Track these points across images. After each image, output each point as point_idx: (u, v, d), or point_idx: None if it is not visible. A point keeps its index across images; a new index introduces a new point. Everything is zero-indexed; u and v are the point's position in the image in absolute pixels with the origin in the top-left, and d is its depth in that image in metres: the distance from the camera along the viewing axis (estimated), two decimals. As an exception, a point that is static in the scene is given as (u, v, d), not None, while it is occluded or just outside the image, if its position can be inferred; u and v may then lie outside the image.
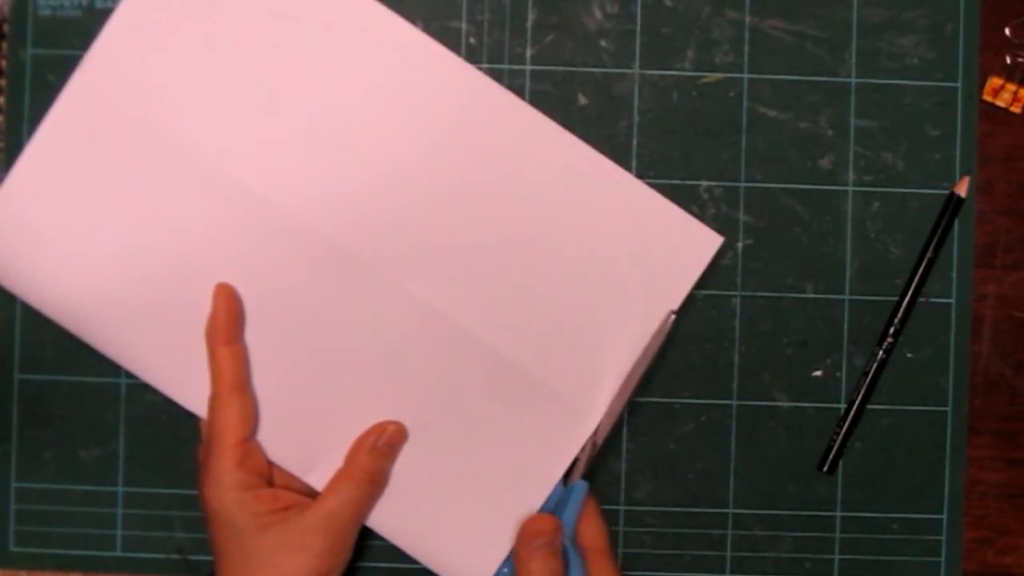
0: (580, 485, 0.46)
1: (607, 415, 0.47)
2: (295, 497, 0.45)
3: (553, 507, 0.47)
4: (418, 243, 0.47)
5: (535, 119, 0.47)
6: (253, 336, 0.46)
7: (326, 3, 0.46)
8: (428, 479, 0.47)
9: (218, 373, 0.45)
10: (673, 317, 0.46)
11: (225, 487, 0.44)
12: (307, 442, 0.47)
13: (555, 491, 0.47)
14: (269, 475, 0.46)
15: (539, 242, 0.47)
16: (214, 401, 0.45)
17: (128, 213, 0.46)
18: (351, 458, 0.46)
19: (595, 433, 0.47)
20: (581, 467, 0.47)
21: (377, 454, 0.46)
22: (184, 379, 0.46)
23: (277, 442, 0.46)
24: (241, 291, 0.46)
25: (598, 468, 0.50)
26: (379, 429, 0.47)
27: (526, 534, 0.45)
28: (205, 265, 0.46)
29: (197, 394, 0.46)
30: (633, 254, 0.47)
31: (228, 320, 0.46)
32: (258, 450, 0.46)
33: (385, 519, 0.47)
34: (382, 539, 0.48)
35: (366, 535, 0.48)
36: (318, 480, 0.47)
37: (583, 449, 0.47)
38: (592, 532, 0.46)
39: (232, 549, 0.44)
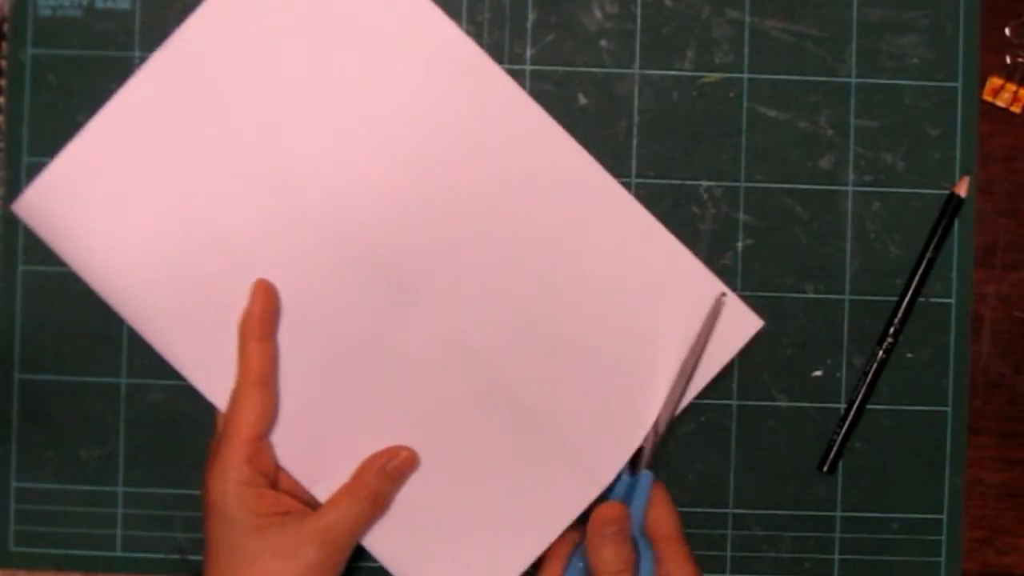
0: (645, 475, 0.46)
1: (667, 403, 0.47)
2: (296, 504, 0.45)
3: (621, 499, 0.47)
4: (457, 274, 0.47)
5: (594, 174, 0.48)
6: (282, 339, 0.47)
7: (382, 4, 0.47)
8: (432, 510, 0.47)
9: (245, 367, 0.45)
10: (724, 298, 0.47)
11: (230, 480, 0.44)
12: (318, 453, 0.47)
13: (621, 482, 0.47)
14: (275, 478, 0.46)
15: (578, 295, 0.47)
16: (236, 393, 0.45)
17: (181, 196, 0.47)
18: (358, 476, 0.46)
19: (656, 423, 0.47)
20: (647, 457, 0.47)
21: (385, 476, 0.46)
22: (210, 368, 0.46)
23: (288, 447, 0.47)
24: (279, 291, 0.47)
25: (661, 457, 0.49)
26: (392, 453, 0.47)
27: (596, 522, 0.44)
28: (248, 260, 0.47)
29: (220, 386, 0.46)
30: (675, 325, 0.48)
31: (263, 316, 0.46)
32: (269, 451, 0.46)
33: (383, 544, 0.47)
34: (373, 563, 0.48)
35: (358, 557, 0.47)
36: (322, 492, 0.47)
37: (647, 439, 0.47)
38: (662, 520, 0.46)
39: (225, 545, 0.43)
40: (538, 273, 0.47)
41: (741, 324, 0.48)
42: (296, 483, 0.47)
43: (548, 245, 0.47)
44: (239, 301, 0.46)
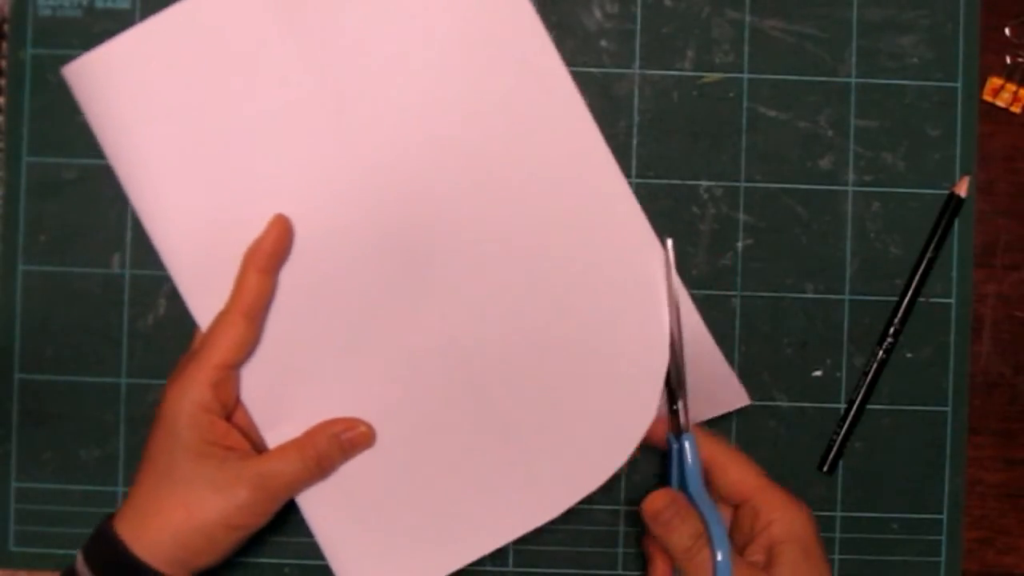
0: (687, 437, 0.45)
1: (676, 363, 0.46)
2: (243, 443, 0.45)
3: (674, 465, 0.46)
4: (462, 268, 0.47)
5: (621, 193, 0.47)
6: (283, 280, 0.46)
7: None
8: (376, 492, 0.47)
9: (238, 294, 0.45)
10: (669, 242, 0.46)
11: (188, 399, 0.43)
12: (282, 401, 0.46)
13: (672, 450, 0.46)
14: (232, 411, 0.46)
15: (576, 305, 0.47)
16: (221, 317, 0.45)
17: (222, 115, 0.46)
18: (311, 435, 0.46)
19: (678, 385, 0.46)
20: (683, 419, 0.46)
21: (336, 444, 0.46)
22: (205, 286, 0.46)
23: (255, 385, 0.46)
24: (297, 230, 0.46)
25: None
26: (350, 424, 0.46)
27: (649, 517, 0.44)
28: (271, 196, 0.46)
29: (208, 304, 0.46)
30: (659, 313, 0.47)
31: (273, 250, 0.45)
32: (235, 383, 0.46)
33: (319, 509, 0.47)
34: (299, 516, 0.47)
35: (288, 512, 0.47)
36: (273, 439, 0.46)
37: (683, 405, 0.46)
38: (742, 478, 0.45)
39: (162, 460, 0.43)
40: (543, 281, 0.47)
41: (730, 395, 0.49)
42: (249, 425, 0.46)
43: (557, 255, 0.47)
44: (253, 232, 0.46)
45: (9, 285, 0.50)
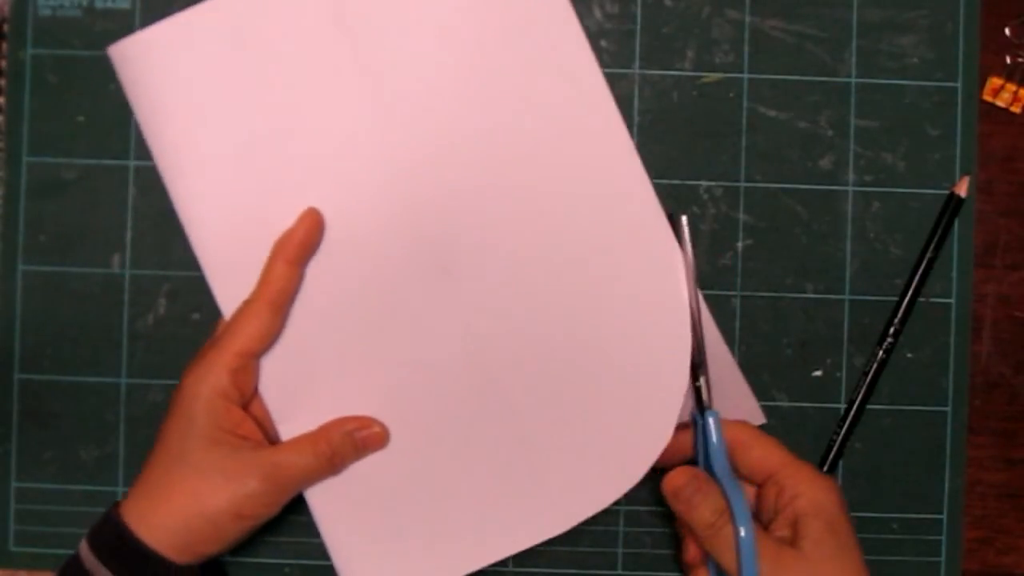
0: (711, 414, 0.45)
1: (695, 342, 0.46)
2: (257, 433, 0.45)
3: (699, 442, 0.46)
4: (491, 274, 0.47)
5: (651, 209, 0.47)
6: (310, 273, 0.46)
7: None
8: (387, 494, 0.47)
9: (264, 284, 0.45)
10: (684, 218, 0.46)
11: (207, 384, 0.43)
12: (298, 394, 0.46)
13: (697, 427, 0.46)
14: (249, 401, 0.46)
15: (597, 315, 0.47)
16: (246, 306, 0.45)
17: (262, 106, 0.46)
18: (325, 430, 0.46)
19: (700, 364, 0.46)
20: (706, 396, 0.46)
21: (349, 441, 0.46)
22: (232, 273, 0.46)
23: (273, 376, 0.46)
24: (328, 225, 0.46)
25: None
26: (365, 423, 0.46)
27: (670, 494, 0.44)
28: (305, 188, 0.46)
29: (233, 293, 0.46)
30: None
31: (302, 243, 0.45)
32: (254, 373, 0.45)
33: (328, 506, 0.46)
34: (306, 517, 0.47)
35: (294, 510, 0.47)
36: (286, 432, 0.46)
37: (706, 382, 0.46)
38: (764, 456, 0.45)
39: (175, 444, 0.43)
40: (568, 289, 0.47)
41: (749, 411, 0.49)
42: (265, 416, 0.46)
43: (581, 264, 0.47)
44: (283, 223, 0.46)
45: (9, 285, 0.50)
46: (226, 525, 0.43)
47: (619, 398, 0.46)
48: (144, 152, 0.50)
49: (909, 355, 0.50)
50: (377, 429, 0.46)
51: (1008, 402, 0.51)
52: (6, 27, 0.50)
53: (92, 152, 0.50)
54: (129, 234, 0.50)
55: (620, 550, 0.50)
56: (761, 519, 0.45)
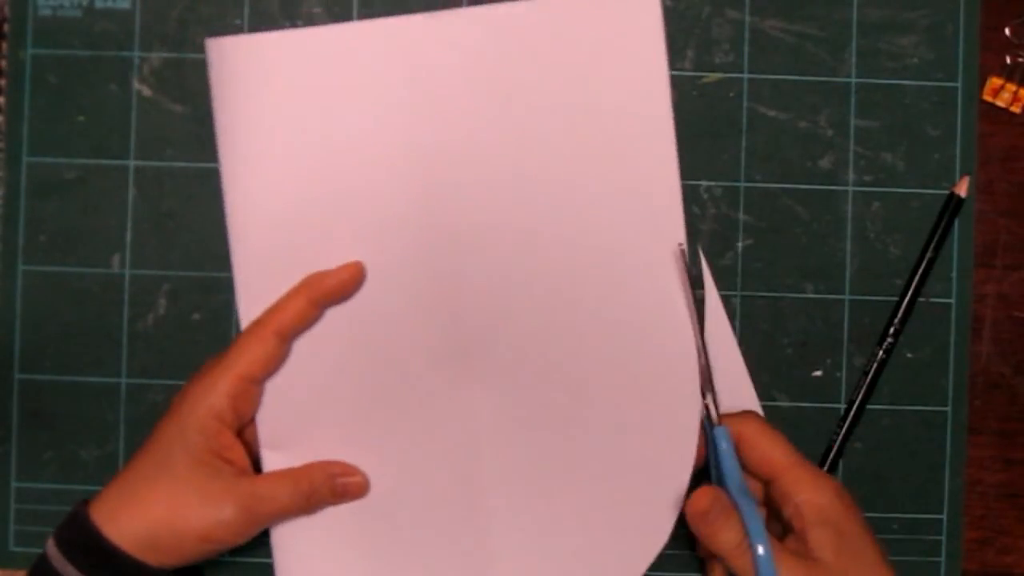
0: (719, 431, 0.45)
1: (701, 367, 0.47)
2: (244, 461, 0.45)
3: (711, 454, 0.46)
4: (510, 360, 0.47)
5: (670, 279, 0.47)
6: (335, 312, 0.46)
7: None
8: (355, 548, 0.47)
9: (279, 312, 0.45)
10: (682, 247, 0.47)
11: (204, 403, 0.43)
12: (292, 427, 0.46)
13: (707, 439, 0.46)
14: (245, 426, 0.46)
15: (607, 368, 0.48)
16: (256, 329, 0.45)
17: (335, 139, 0.47)
18: (308, 469, 0.46)
19: (704, 385, 0.47)
20: (713, 413, 0.46)
21: (329, 485, 0.46)
22: (261, 290, 0.46)
23: (272, 402, 0.46)
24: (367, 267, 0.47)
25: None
26: (349, 470, 0.47)
27: (697, 518, 0.43)
28: (350, 224, 0.46)
29: (255, 311, 0.46)
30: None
31: (333, 290, 0.46)
32: (255, 399, 0.46)
33: (292, 548, 0.47)
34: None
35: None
36: (270, 459, 0.46)
37: (712, 399, 0.46)
38: (768, 459, 0.44)
39: (160, 453, 0.43)
40: (578, 385, 0.47)
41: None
42: (256, 441, 0.47)
43: (603, 338, 0.47)
44: (322, 255, 0.46)
45: (9, 285, 0.50)
46: (191, 545, 0.43)
47: (620, 490, 0.47)
48: (144, 152, 0.50)
49: (909, 355, 0.50)
50: (359, 479, 0.47)
51: (1008, 402, 0.51)
52: (6, 27, 0.50)
53: (92, 152, 0.50)
54: (129, 234, 0.50)
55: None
56: (773, 529, 0.45)
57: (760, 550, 0.41)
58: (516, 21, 0.47)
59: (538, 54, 0.47)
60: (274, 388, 0.46)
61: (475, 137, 0.47)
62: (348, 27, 0.47)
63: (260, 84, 0.47)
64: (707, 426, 0.46)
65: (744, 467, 0.45)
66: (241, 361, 0.44)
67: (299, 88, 0.47)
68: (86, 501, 0.43)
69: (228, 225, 0.47)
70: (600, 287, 0.47)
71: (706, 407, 0.47)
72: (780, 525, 0.45)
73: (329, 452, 0.47)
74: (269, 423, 0.46)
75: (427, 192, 0.47)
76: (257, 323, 0.45)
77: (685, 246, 0.47)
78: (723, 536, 0.42)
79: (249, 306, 0.47)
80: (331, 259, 0.46)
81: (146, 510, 0.42)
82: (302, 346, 0.46)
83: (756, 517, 0.42)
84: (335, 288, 0.46)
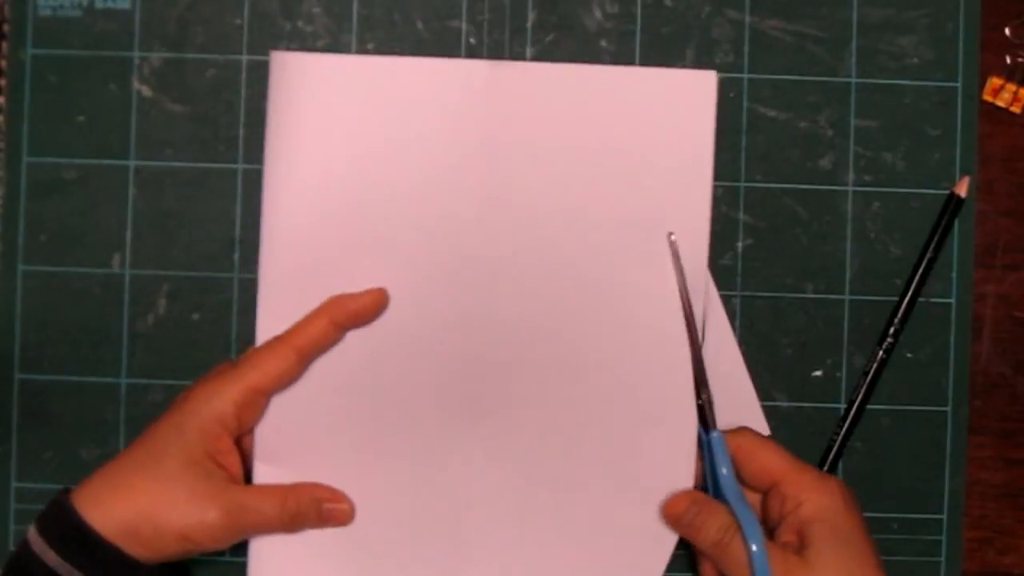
0: (714, 437, 0.45)
1: (695, 365, 0.47)
2: (237, 469, 0.45)
3: (705, 457, 0.46)
4: (516, 420, 0.48)
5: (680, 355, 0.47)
6: (353, 338, 0.47)
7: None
8: (345, 570, 0.47)
9: (300, 331, 0.45)
10: (673, 237, 0.47)
11: (210, 406, 0.43)
12: (289, 443, 0.46)
13: (702, 443, 0.46)
14: (245, 434, 0.46)
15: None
16: (274, 344, 0.45)
17: (379, 174, 0.47)
18: (296, 489, 0.46)
19: (706, 387, 0.47)
20: (710, 416, 0.46)
21: (315, 509, 0.46)
22: (282, 304, 0.46)
23: (274, 415, 0.46)
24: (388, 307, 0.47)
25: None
26: (337, 497, 0.47)
27: (672, 520, 0.45)
28: (383, 255, 0.47)
29: (275, 326, 0.46)
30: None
31: (356, 314, 0.46)
32: (259, 410, 0.46)
33: (268, 555, 0.46)
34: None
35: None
36: (260, 471, 0.46)
37: (708, 401, 0.46)
38: (766, 467, 0.45)
39: (156, 446, 0.43)
40: (586, 454, 0.47)
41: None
42: (251, 452, 0.47)
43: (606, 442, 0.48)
44: (349, 280, 0.46)
45: (9, 285, 0.50)
46: (170, 541, 0.42)
47: (608, 551, 0.47)
48: (144, 152, 0.50)
49: (909, 355, 0.50)
50: (345, 507, 0.47)
51: (1008, 402, 0.51)
52: (6, 27, 0.50)
53: (92, 152, 0.50)
54: (129, 234, 0.50)
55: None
56: (767, 526, 0.45)
57: (754, 548, 0.42)
58: (575, 82, 0.47)
59: (590, 115, 0.47)
60: (278, 403, 0.46)
61: (514, 187, 0.47)
62: (410, 61, 0.48)
63: (315, 103, 0.47)
64: (701, 430, 0.46)
65: (743, 480, 0.46)
66: (255, 372, 0.44)
67: (352, 113, 0.47)
68: (68, 488, 0.43)
69: (261, 237, 0.47)
70: (615, 352, 0.47)
71: (700, 407, 0.47)
72: (773, 527, 0.45)
73: (321, 475, 0.47)
74: (267, 436, 0.46)
75: (460, 236, 0.47)
76: (279, 338, 0.45)
77: (675, 237, 0.47)
78: (701, 535, 0.44)
79: (268, 319, 0.46)
80: (354, 287, 0.46)
81: (132, 498, 0.42)
82: (314, 367, 0.46)
83: (750, 515, 0.43)
84: (358, 312, 0.46)
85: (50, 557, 0.41)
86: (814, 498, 0.43)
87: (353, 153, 0.47)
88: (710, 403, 0.47)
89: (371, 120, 0.47)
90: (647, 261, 0.47)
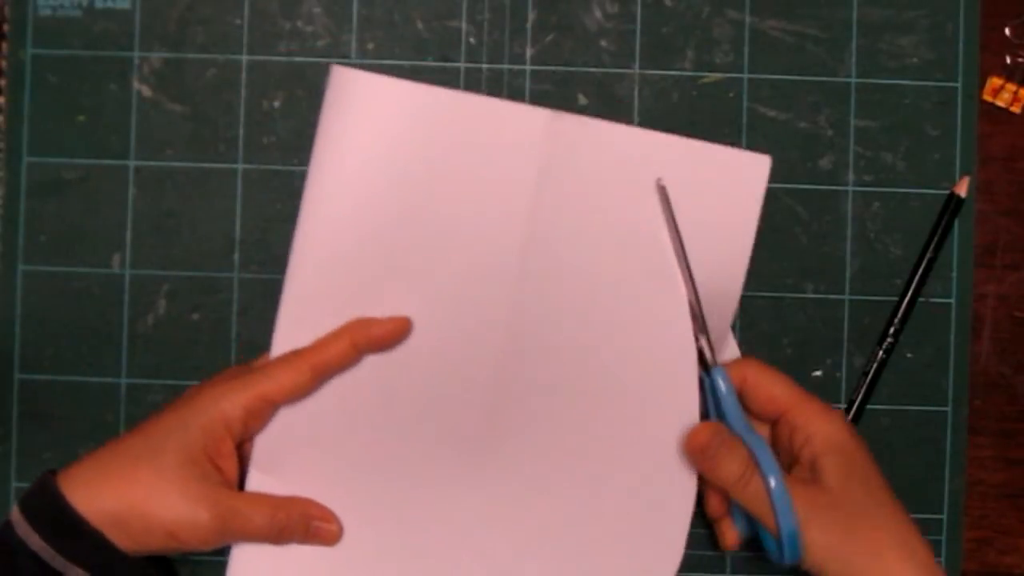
0: (717, 371, 0.45)
1: (693, 305, 0.46)
2: (233, 472, 0.45)
3: (709, 401, 0.46)
4: (524, 468, 0.47)
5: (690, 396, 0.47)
6: (366, 362, 0.46)
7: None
8: None
9: (320, 349, 0.45)
10: (662, 182, 0.46)
11: (217, 408, 0.43)
12: (289, 455, 0.46)
13: (703, 386, 0.46)
14: (246, 440, 0.46)
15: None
16: (292, 358, 0.45)
17: (422, 203, 0.46)
18: (288, 503, 0.46)
19: (697, 320, 0.46)
20: (708, 355, 0.46)
21: (305, 525, 0.46)
22: (303, 318, 0.46)
23: (274, 428, 0.46)
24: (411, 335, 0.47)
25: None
26: (326, 516, 0.46)
27: (696, 452, 0.44)
28: (415, 289, 0.46)
29: (293, 339, 0.46)
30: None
31: (378, 339, 0.46)
32: (266, 419, 0.45)
33: (248, 560, 0.46)
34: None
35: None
36: (255, 479, 0.46)
37: (708, 341, 0.46)
38: (773, 396, 0.45)
39: (156, 438, 0.43)
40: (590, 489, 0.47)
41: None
42: (248, 459, 0.46)
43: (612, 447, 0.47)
44: (376, 305, 0.46)
45: (9, 285, 0.50)
46: (156, 536, 0.42)
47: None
48: (144, 152, 0.50)
49: (909, 355, 0.50)
50: (334, 528, 0.46)
51: (1008, 402, 0.51)
52: (6, 27, 0.50)
53: (92, 152, 0.50)
54: (129, 234, 0.50)
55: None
56: (780, 459, 0.44)
57: (772, 482, 0.42)
58: (630, 143, 0.47)
59: (639, 180, 0.46)
60: (283, 415, 0.46)
61: (551, 239, 0.47)
62: (470, 98, 0.47)
63: (368, 124, 0.46)
64: (703, 371, 0.46)
65: (749, 410, 0.45)
66: (269, 382, 0.44)
67: (403, 139, 0.46)
68: (53, 470, 0.43)
69: (292, 246, 0.46)
70: (626, 394, 0.47)
71: (700, 351, 0.46)
72: (787, 461, 0.45)
73: (314, 492, 0.47)
74: (267, 446, 0.46)
75: (488, 279, 0.47)
76: (297, 353, 0.45)
77: (665, 182, 0.46)
78: (725, 469, 0.43)
79: (286, 329, 0.46)
80: (378, 312, 0.46)
81: (124, 488, 0.42)
82: (327, 386, 0.46)
83: (765, 448, 0.43)
84: (380, 338, 0.46)
85: (33, 540, 0.41)
86: (823, 430, 0.43)
87: (398, 180, 0.46)
88: (709, 344, 0.46)
89: (421, 150, 0.46)
90: (661, 307, 0.47)
